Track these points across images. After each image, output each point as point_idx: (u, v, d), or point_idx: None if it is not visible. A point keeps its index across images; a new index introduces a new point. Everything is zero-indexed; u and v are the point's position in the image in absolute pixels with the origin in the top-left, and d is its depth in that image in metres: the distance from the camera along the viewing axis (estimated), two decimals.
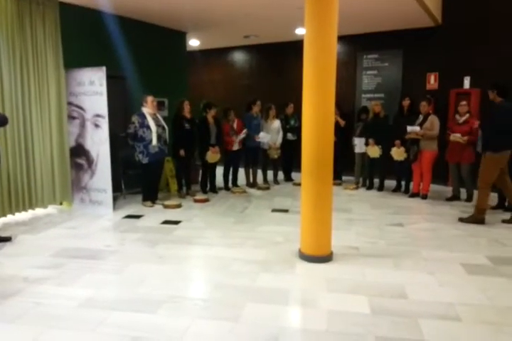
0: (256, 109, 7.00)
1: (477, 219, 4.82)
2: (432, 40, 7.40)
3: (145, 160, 5.46)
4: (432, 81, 7.62)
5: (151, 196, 5.71)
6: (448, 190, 6.40)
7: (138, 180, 5.86)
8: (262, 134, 6.70)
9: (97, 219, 4.97)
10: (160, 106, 6.73)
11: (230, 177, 6.88)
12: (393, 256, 3.74)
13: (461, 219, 4.93)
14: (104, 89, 5.15)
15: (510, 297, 2.93)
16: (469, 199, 5.89)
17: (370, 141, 6.61)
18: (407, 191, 6.51)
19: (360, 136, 6.93)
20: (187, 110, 6.05)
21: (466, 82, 7.20)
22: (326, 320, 2.60)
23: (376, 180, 6.88)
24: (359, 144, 6.94)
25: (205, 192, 6.46)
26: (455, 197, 6.07)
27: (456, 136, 5.76)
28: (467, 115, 5.82)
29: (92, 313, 2.68)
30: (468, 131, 5.71)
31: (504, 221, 4.89)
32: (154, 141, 5.43)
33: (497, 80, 4.95)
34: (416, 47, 7.65)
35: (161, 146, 5.57)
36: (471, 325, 2.53)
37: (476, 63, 6.87)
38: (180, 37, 7.69)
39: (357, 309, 2.74)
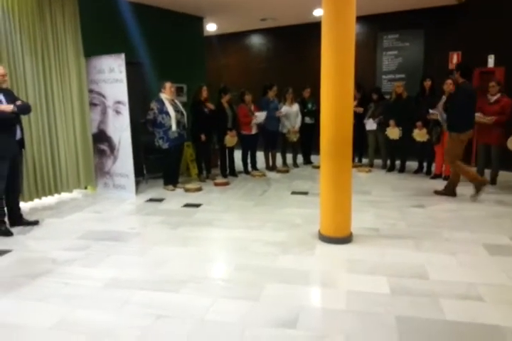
0: (272, 93, 6.96)
1: (480, 184, 4.92)
2: (454, 18, 7.16)
3: (165, 146, 5.53)
4: (455, 60, 7.39)
5: (172, 180, 5.80)
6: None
7: (159, 164, 5.95)
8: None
9: (121, 203, 5.09)
10: (178, 91, 6.75)
11: (249, 160, 6.90)
12: (414, 237, 3.72)
13: (473, 195, 4.96)
14: (123, 76, 5.19)
15: None
16: (494, 181, 5.75)
17: (391, 122, 6.50)
18: (428, 173, 6.42)
19: (371, 117, 6.85)
20: (205, 95, 6.06)
21: (491, 61, 6.97)
22: (345, 299, 2.63)
23: (397, 162, 6.79)
24: (369, 122, 6.85)
25: (225, 175, 6.52)
26: None
27: (480, 117, 5.60)
28: (498, 94, 5.63)
29: (117, 293, 2.77)
30: (498, 110, 5.53)
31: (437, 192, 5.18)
32: (174, 127, 5.48)
33: (460, 62, 4.91)
34: (438, 26, 7.40)
35: (181, 131, 5.63)
36: (492, 305, 2.52)
37: (500, 41, 6.63)
38: (198, 22, 7.65)
39: (376, 289, 2.75)
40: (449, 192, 5.16)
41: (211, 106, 6.10)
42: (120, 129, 5.40)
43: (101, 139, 5.60)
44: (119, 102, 5.34)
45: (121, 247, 3.61)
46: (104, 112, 5.52)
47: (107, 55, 5.31)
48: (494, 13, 6.68)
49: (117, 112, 5.40)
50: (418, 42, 7.78)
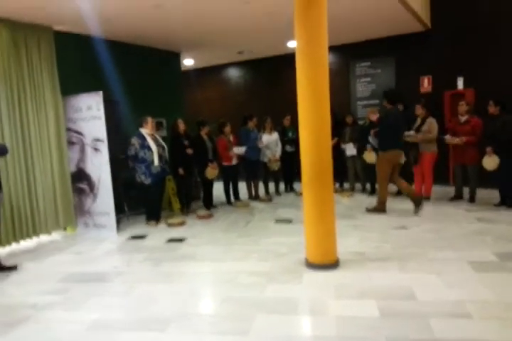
0: (252, 124, 7.08)
1: (380, 209, 5.53)
2: (423, 44, 7.50)
3: (148, 181, 5.50)
4: (426, 84, 7.70)
5: (154, 215, 5.73)
6: (449, 190, 6.40)
7: (140, 200, 5.89)
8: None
9: (102, 242, 4.98)
10: (158, 126, 6.81)
11: (231, 191, 6.90)
12: (399, 258, 3.73)
13: (367, 210, 5.63)
14: (102, 113, 5.22)
15: None
16: (472, 198, 5.86)
17: (368, 147, 6.64)
18: None
19: (348, 141, 7.00)
20: (182, 127, 6.13)
21: (460, 83, 7.27)
22: (335, 325, 2.58)
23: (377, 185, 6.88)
24: (349, 147, 7.00)
25: (208, 208, 6.47)
26: (458, 197, 6.06)
27: (450, 139, 5.82)
28: (467, 115, 5.84)
29: (101, 335, 2.67)
30: (470, 130, 5.70)
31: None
32: (156, 161, 5.49)
33: (386, 90, 5.62)
34: (407, 52, 7.75)
35: (163, 166, 5.63)
36: (481, 321, 2.52)
37: (468, 64, 6.96)
38: (175, 57, 7.83)
39: (366, 313, 2.72)
40: (380, 208, 5.61)
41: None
42: (99, 166, 5.37)
43: (80, 178, 5.55)
44: (97, 140, 5.34)
45: (104, 288, 3.50)
46: (82, 150, 5.50)
47: (84, 93, 5.36)
48: (460, 37, 7.04)
49: (96, 149, 5.39)
50: (389, 68, 8.10)
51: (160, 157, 5.56)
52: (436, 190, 6.52)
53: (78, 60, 5.84)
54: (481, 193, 5.98)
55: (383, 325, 2.53)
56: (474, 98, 6.91)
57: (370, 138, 6.16)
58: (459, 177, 6.06)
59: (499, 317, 2.55)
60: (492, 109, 5.45)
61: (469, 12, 6.91)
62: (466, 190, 5.97)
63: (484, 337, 2.33)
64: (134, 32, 6.10)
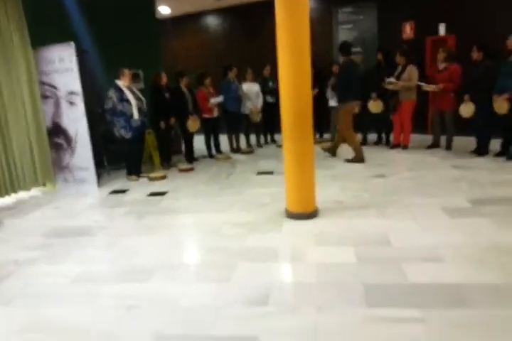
0: (232, 74, 6.88)
1: (359, 158, 5.61)
2: None
3: (128, 135, 5.39)
4: (408, 30, 7.51)
5: (135, 170, 5.68)
6: (428, 139, 6.47)
7: (120, 155, 5.81)
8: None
9: (83, 198, 4.96)
10: (135, 78, 6.55)
11: (213, 143, 6.84)
12: (376, 206, 3.83)
13: (347, 160, 5.72)
14: (74, 65, 5.00)
15: (488, 235, 3.04)
16: (449, 146, 5.96)
17: (373, 95, 6.53)
18: (388, 143, 6.57)
19: (333, 89, 6.88)
20: (165, 81, 5.93)
21: (442, 29, 7.11)
22: (315, 272, 2.69)
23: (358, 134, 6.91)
24: (332, 97, 6.89)
25: (190, 161, 6.44)
26: (435, 145, 6.15)
27: (425, 86, 5.79)
28: (446, 63, 5.75)
29: (86, 288, 2.72)
30: (447, 77, 5.67)
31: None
32: (136, 115, 5.35)
33: (342, 42, 5.57)
34: None
35: (143, 119, 5.50)
36: (453, 265, 2.64)
37: (451, 10, 6.76)
38: (149, 4, 7.37)
39: (344, 259, 2.83)
40: (332, 151, 6.03)
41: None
42: (75, 121, 5.21)
43: (56, 132, 5.39)
44: (72, 93, 5.14)
45: (87, 242, 3.53)
46: (57, 104, 5.30)
47: (55, 44, 5.06)
48: None
49: (71, 103, 5.20)
50: (372, 14, 7.84)
51: (139, 110, 5.40)
52: (415, 138, 6.59)
53: (47, 9, 5.44)
54: (459, 141, 6.08)
55: (360, 271, 2.65)
56: (456, 44, 6.79)
57: (328, 91, 6.24)
58: (437, 125, 6.12)
59: (470, 260, 2.68)
60: (475, 54, 5.36)
61: None
62: (443, 139, 6.05)
63: (455, 279, 2.45)
64: None
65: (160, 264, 2.98)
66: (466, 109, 5.45)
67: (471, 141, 5.76)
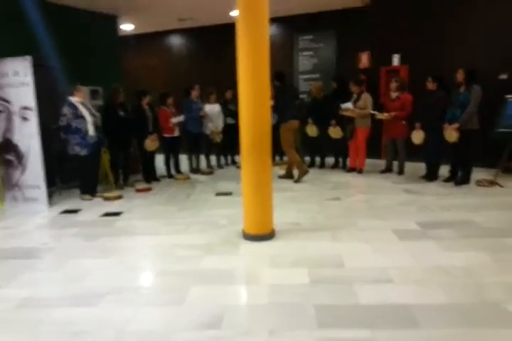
0: (195, 93, 6.92)
1: (303, 171, 5.94)
2: (362, 20, 7.63)
3: (83, 152, 5.25)
4: (364, 60, 7.88)
5: (89, 189, 5.52)
6: (381, 163, 6.74)
7: (74, 173, 5.63)
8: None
9: (32, 217, 4.75)
10: (94, 94, 6.46)
11: (172, 164, 6.79)
12: (332, 228, 3.92)
13: (296, 181, 5.98)
14: (30, 79, 4.86)
15: (435, 257, 3.18)
16: (401, 171, 6.23)
17: (309, 120, 6.76)
18: (344, 167, 6.78)
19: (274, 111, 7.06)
20: (121, 98, 5.87)
21: (395, 60, 7.52)
22: (268, 294, 2.69)
23: (317, 158, 7.10)
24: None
25: (147, 181, 6.35)
26: (388, 170, 6.41)
27: (378, 114, 6.09)
28: (398, 92, 6.07)
29: (32, 313, 2.58)
30: (399, 106, 5.98)
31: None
32: (91, 131, 5.24)
33: (276, 71, 5.68)
34: (348, 27, 7.86)
35: (99, 135, 5.39)
36: (402, 286, 2.73)
37: (404, 41, 7.18)
38: (111, 21, 7.38)
39: (297, 281, 2.86)
40: (289, 175, 6.19)
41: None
42: (28, 137, 5.03)
43: (7, 149, 5.17)
44: (25, 108, 4.98)
45: (34, 264, 3.37)
46: (9, 119, 5.10)
47: (10, 57, 4.93)
48: (398, 15, 7.21)
49: (24, 118, 5.03)
50: (331, 43, 8.19)
51: (95, 127, 5.30)
52: (370, 162, 6.85)
53: (5, 21, 5.32)
54: (410, 166, 6.36)
55: (312, 292, 2.68)
56: (408, 74, 7.20)
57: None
58: (390, 151, 6.39)
59: (417, 281, 2.78)
60: (430, 85, 5.63)
61: None
62: (396, 164, 6.32)
63: (403, 300, 2.53)
64: None
65: (110, 288, 2.88)
66: (417, 136, 5.74)
67: (421, 167, 6.05)
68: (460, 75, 5.26)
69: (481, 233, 3.65)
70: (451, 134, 5.29)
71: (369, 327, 2.25)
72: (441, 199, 4.78)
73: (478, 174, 5.69)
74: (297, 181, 5.96)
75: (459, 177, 5.47)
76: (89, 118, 5.23)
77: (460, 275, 2.83)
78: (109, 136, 5.76)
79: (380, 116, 6.10)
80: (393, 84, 6.09)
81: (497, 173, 5.53)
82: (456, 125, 5.21)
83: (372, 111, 6.17)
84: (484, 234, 3.63)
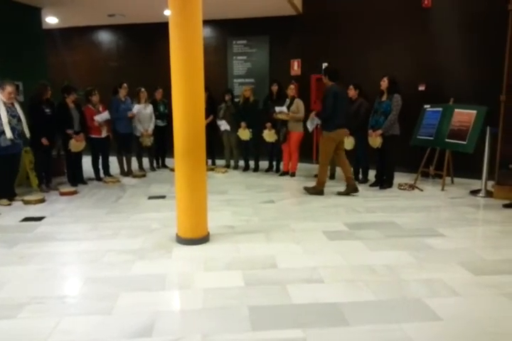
0: (123, 92, 6.65)
1: (318, 190, 5.40)
2: (294, 28, 7.84)
3: None
4: (296, 67, 8.11)
5: (5, 193, 5.06)
6: (314, 168, 6.96)
7: None
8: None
9: None
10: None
11: (101, 166, 6.48)
12: (265, 230, 3.96)
13: (306, 189, 5.48)
14: None
15: (362, 256, 3.34)
16: (332, 176, 6.46)
17: (242, 124, 6.81)
18: (278, 170, 6.92)
19: (223, 118, 7.07)
20: (49, 94, 5.50)
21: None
22: (202, 298, 2.65)
23: (251, 162, 7.16)
24: (223, 123, 7.06)
25: (73, 184, 5.99)
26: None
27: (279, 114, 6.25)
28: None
29: None
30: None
31: (340, 193, 5.43)
32: (8, 134, 4.80)
33: (327, 66, 5.43)
34: (281, 34, 8.03)
35: (16, 140, 4.94)
36: (331, 284, 2.83)
37: (332, 50, 7.49)
38: (34, 13, 6.90)
39: (232, 283, 2.85)
40: (353, 189, 5.36)
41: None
42: None
43: None
44: None
45: None
46: None
47: None
48: (326, 25, 7.49)
49: None
50: (264, 48, 8.32)
51: (13, 129, 4.87)
52: (302, 166, 7.04)
53: None
54: (340, 170, 6.61)
55: (247, 294, 2.68)
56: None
57: (309, 122, 5.75)
58: None
59: (346, 280, 2.90)
60: (352, 92, 5.97)
61: (335, 3, 7.38)
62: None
63: (333, 298, 2.62)
64: None
65: (29, 297, 2.67)
66: (348, 142, 5.99)
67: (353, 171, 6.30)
68: (384, 83, 5.60)
69: (402, 233, 3.90)
70: (375, 140, 5.61)
71: (301, 327, 2.29)
72: (368, 202, 5.04)
73: (400, 178, 6.07)
74: (308, 191, 5.43)
75: (383, 181, 5.80)
76: (5, 119, 4.79)
77: (385, 274, 3.00)
78: (33, 134, 5.34)
79: (280, 115, 6.25)
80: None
81: (417, 178, 5.95)
82: (379, 131, 5.53)
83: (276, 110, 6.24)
84: (405, 234, 3.88)
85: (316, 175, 6.54)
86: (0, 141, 4.80)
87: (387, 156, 5.68)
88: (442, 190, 5.64)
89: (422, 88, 6.73)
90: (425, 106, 6.21)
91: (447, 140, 5.71)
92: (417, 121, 6.18)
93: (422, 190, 5.67)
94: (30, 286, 2.85)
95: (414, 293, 2.70)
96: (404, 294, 2.69)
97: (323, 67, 7.72)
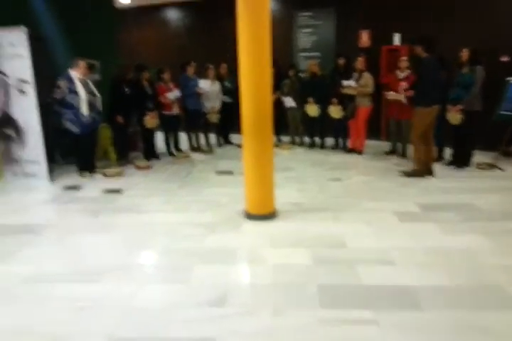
0: (191, 70, 6.76)
1: (421, 171, 5.00)
2: None
3: (76, 130, 5.14)
4: (365, 38, 7.71)
5: (87, 166, 5.45)
6: (382, 145, 6.72)
7: (73, 149, 5.57)
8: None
9: (33, 193, 4.73)
10: (91, 69, 6.31)
11: (172, 141, 6.73)
12: (332, 209, 3.93)
13: (406, 174, 5.08)
14: (26, 51, 4.75)
15: (435, 239, 3.22)
16: (404, 153, 6.18)
17: (310, 99, 6.67)
18: (344, 148, 6.75)
19: (288, 94, 6.94)
20: (131, 75, 5.81)
21: (396, 39, 7.37)
22: (271, 273, 2.72)
23: (317, 138, 7.06)
24: (288, 100, 6.93)
25: (148, 159, 6.30)
26: (393, 152, 6.36)
27: (392, 95, 5.89)
28: (408, 71, 5.94)
29: (36, 288, 2.62)
30: (407, 87, 5.84)
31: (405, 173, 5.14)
32: (85, 110, 5.10)
33: (423, 35, 4.96)
34: (348, 5, 7.65)
35: (94, 115, 5.25)
36: (403, 267, 2.77)
37: (405, 20, 7.02)
38: None
39: (300, 261, 2.89)
40: (427, 171, 5.03)
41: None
42: (27, 111, 4.95)
43: (6, 123, 5.09)
44: (22, 81, 4.89)
45: (37, 239, 3.38)
46: (6, 92, 5.01)
47: (5, 28, 4.78)
48: None
49: (21, 92, 4.94)
50: (330, 20, 7.99)
51: (90, 105, 5.16)
52: (370, 144, 6.82)
53: None
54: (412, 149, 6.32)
55: (315, 272, 2.71)
56: (408, 54, 7.06)
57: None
58: (394, 133, 6.31)
59: (418, 263, 2.82)
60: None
61: None
62: (399, 146, 6.28)
63: (406, 281, 2.57)
64: None
65: (113, 264, 2.90)
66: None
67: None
68: (465, 55, 5.16)
69: (480, 216, 3.68)
70: (454, 116, 5.23)
71: (372, 308, 2.29)
72: (442, 182, 4.78)
73: (478, 157, 5.68)
74: (410, 175, 5.03)
75: (460, 160, 5.45)
76: (83, 95, 5.07)
77: (461, 258, 2.87)
78: (111, 112, 5.66)
79: (394, 96, 5.90)
80: (403, 63, 5.93)
81: (497, 156, 5.53)
82: (459, 106, 5.15)
83: (390, 93, 5.94)
84: (484, 217, 3.66)
85: (386, 153, 6.34)
86: (79, 116, 5.09)
87: (466, 133, 5.30)
88: None
89: (504, 59, 6.13)
90: (509, 78, 5.67)
91: None
92: (499, 95, 5.67)
93: (503, 170, 5.28)
94: (113, 254, 3.09)
95: (494, 280, 2.57)
96: (483, 280, 2.57)
97: (395, 37, 7.31)
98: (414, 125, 4.99)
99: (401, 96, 5.79)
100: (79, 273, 2.79)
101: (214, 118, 7.02)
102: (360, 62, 6.22)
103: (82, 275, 2.75)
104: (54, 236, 3.46)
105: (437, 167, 5.29)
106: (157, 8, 9.18)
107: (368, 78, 6.14)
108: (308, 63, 7.38)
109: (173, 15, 9.28)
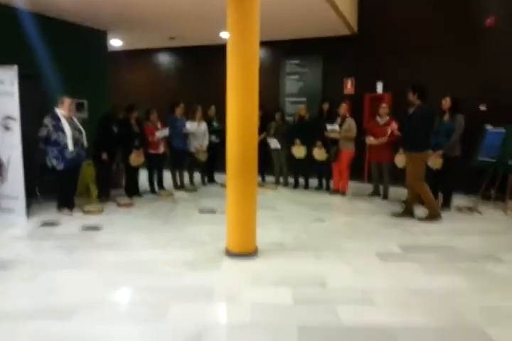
0: (179, 111, 6.93)
1: (434, 214, 4.99)
2: (349, 47, 7.86)
3: (60, 166, 5.11)
4: (349, 86, 8.07)
5: (67, 203, 5.37)
6: (364, 187, 6.82)
7: (54, 185, 5.51)
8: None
9: (9, 228, 4.60)
10: (79, 107, 6.43)
11: (155, 180, 6.73)
12: (315, 249, 3.90)
13: (421, 219, 5.03)
14: (15, 89, 4.79)
15: (417, 279, 3.19)
16: (385, 195, 6.28)
17: (297, 141, 6.82)
18: (328, 189, 6.83)
19: (273, 136, 7.09)
20: (120, 115, 5.91)
21: (379, 87, 7.73)
22: (249, 313, 2.64)
23: (301, 179, 7.13)
24: (273, 142, 7.07)
25: (130, 196, 6.25)
26: (375, 193, 6.45)
27: (371, 140, 6.14)
28: (387, 117, 6.19)
29: (3, 325, 2.48)
30: (388, 132, 6.06)
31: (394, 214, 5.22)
32: (70, 146, 5.12)
33: (416, 84, 5.09)
34: (334, 54, 8.07)
35: (79, 151, 5.27)
36: (383, 307, 2.72)
37: (387, 69, 7.42)
38: (101, 36, 7.44)
39: (280, 300, 2.82)
40: (408, 213, 5.16)
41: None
42: (10, 147, 4.93)
43: None
44: (8, 117, 4.90)
45: (8, 275, 3.25)
46: None
47: None
48: (382, 44, 7.46)
49: (6, 128, 4.94)
50: (317, 68, 8.37)
51: (76, 141, 5.18)
52: (353, 185, 6.91)
53: None
54: (394, 190, 6.42)
55: (295, 312, 2.64)
56: (391, 101, 7.37)
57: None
58: (375, 174, 6.45)
59: (399, 303, 2.78)
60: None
61: (391, 21, 7.35)
62: (381, 188, 6.38)
63: (386, 323, 2.52)
64: (59, 5, 5.67)
65: (85, 302, 2.79)
66: (400, 160, 5.79)
67: (404, 190, 6.09)
68: (446, 103, 5.41)
69: (460, 257, 3.69)
70: (435, 161, 5.39)
71: None
72: (423, 224, 4.83)
73: (458, 200, 5.79)
74: (423, 220, 5.00)
75: (441, 203, 5.54)
76: (69, 132, 5.10)
77: (441, 299, 2.84)
78: (96, 149, 5.69)
79: (373, 142, 6.13)
80: (383, 110, 6.20)
81: (477, 200, 5.64)
82: (440, 152, 5.31)
83: (370, 138, 6.16)
84: (463, 258, 3.67)
85: (369, 194, 6.42)
86: (65, 153, 5.11)
87: (446, 178, 5.44)
88: (506, 214, 5.31)
89: (483, 108, 6.45)
90: (487, 126, 5.93)
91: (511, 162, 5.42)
92: (477, 142, 5.90)
93: (481, 213, 5.36)
94: (86, 291, 2.97)
95: (473, 321, 2.53)
96: (462, 321, 2.53)
97: (378, 85, 7.66)
98: (412, 171, 5.02)
99: (380, 141, 5.99)
100: (48, 310, 2.67)
101: (202, 156, 7.08)
102: (343, 108, 6.47)
103: (51, 313, 2.63)
104: (26, 272, 3.33)
105: (419, 209, 5.36)
106: (149, 51, 9.53)
107: (350, 123, 6.35)
108: (295, 107, 7.63)
109: (164, 58, 9.63)
